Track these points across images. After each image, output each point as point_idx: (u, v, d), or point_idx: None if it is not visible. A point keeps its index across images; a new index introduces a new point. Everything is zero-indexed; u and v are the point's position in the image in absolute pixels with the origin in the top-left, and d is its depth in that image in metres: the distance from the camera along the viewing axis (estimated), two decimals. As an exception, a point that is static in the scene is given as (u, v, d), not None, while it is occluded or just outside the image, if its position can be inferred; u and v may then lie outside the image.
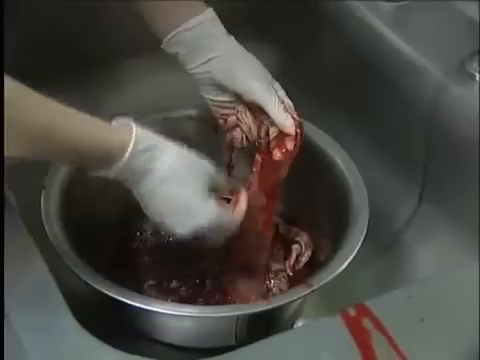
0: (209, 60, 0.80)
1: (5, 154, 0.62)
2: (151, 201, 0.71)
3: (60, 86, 0.99)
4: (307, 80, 1.06)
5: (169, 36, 0.80)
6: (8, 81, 0.61)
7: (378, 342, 0.62)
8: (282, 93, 0.81)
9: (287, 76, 1.08)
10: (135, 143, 0.69)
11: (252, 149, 0.83)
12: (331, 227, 0.85)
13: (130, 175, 0.70)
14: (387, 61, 0.94)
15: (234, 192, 0.77)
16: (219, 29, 0.81)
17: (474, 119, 0.86)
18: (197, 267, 0.84)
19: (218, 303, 0.83)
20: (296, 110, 0.82)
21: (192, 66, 0.81)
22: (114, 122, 0.71)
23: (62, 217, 0.78)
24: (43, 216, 0.78)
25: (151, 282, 0.85)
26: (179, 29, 0.80)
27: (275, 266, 0.87)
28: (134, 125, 0.70)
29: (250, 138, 0.83)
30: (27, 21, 0.95)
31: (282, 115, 0.79)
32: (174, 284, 0.83)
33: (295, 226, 0.90)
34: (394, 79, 0.94)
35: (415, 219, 0.93)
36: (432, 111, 0.89)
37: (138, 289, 0.83)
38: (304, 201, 0.90)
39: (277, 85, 0.82)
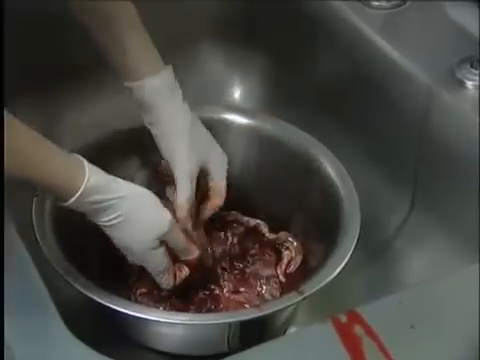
0: (151, 123, 0.83)
1: None
2: (108, 234, 0.75)
3: (44, 94, 1.01)
4: (298, 87, 1.06)
5: (126, 85, 0.81)
6: None
7: (369, 348, 0.62)
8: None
9: (278, 83, 1.09)
10: (86, 185, 0.70)
11: None
12: (323, 234, 0.85)
13: (86, 211, 0.72)
14: (377, 68, 0.94)
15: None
16: (170, 93, 0.82)
17: (464, 126, 0.86)
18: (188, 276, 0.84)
19: (209, 311, 0.83)
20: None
21: (147, 121, 0.83)
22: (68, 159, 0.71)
23: (54, 224, 0.78)
24: (35, 223, 0.79)
25: (142, 290, 0.84)
26: (133, 84, 0.81)
27: (266, 272, 0.87)
28: (86, 165, 0.71)
29: None
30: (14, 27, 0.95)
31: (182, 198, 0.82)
32: (165, 292, 0.83)
33: (285, 232, 0.90)
34: (384, 86, 0.94)
35: (406, 225, 0.93)
36: (422, 118, 0.89)
37: (129, 297, 0.83)
38: (296, 208, 0.90)
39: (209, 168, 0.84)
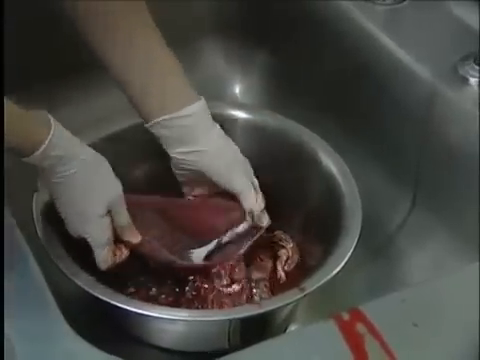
0: (193, 152, 0.82)
1: None
2: (57, 196, 0.75)
3: (47, 89, 1.00)
4: (299, 84, 1.06)
5: (157, 120, 0.80)
6: None
7: (371, 346, 0.62)
8: (256, 183, 0.85)
9: (279, 80, 1.09)
10: (50, 141, 0.71)
11: None
12: (324, 231, 0.84)
13: (46, 166, 0.72)
14: (380, 65, 0.94)
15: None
16: (207, 121, 0.82)
17: (467, 123, 0.86)
18: (176, 275, 0.83)
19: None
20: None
21: (175, 152, 0.82)
22: (35, 114, 0.72)
23: (54, 220, 0.78)
24: (35, 219, 0.78)
25: (131, 289, 0.83)
26: (167, 116, 0.80)
27: (256, 275, 0.86)
28: (52, 121, 0.72)
29: None
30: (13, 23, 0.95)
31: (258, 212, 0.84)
32: (153, 291, 0.82)
33: (281, 231, 0.90)
34: (387, 83, 0.93)
35: (408, 223, 0.93)
36: (425, 115, 0.89)
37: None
38: (297, 205, 0.89)
39: (252, 175, 0.85)
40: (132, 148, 0.89)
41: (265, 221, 0.85)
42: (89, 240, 0.77)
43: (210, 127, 0.82)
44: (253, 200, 0.84)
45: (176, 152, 0.82)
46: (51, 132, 0.71)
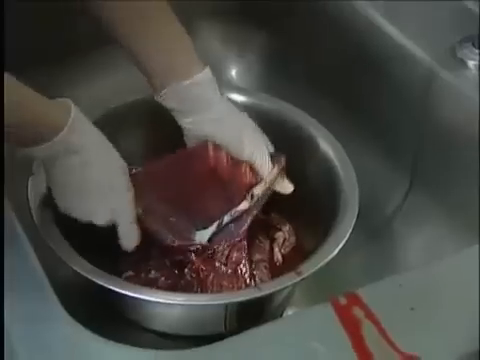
0: (205, 120, 0.82)
1: None
2: (73, 180, 0.74)
3: (47, 70, 1.00)
4: (297, 67, 1.05)
5: (165, 90, 0.81)
6: None
7: (368, 330, 0.62)
8: (271, 148, 0.86)
9: (277, 63, 1.09)
10: (71, 125, 0.71)
11: None
12: (321, 214, 0.84)
13: (60, 153, 0.72)
14: (378, 47, 0.94)
15: None
16: (215, 90, 0.82)
17: (465, 105, 0.86)
18: (175, 257, 0.83)
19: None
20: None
21: (187, 122, 0.83)
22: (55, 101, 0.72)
23: (50, 204, 0.78)
24: (31, 203, 0.78)
25: (129, 273, 0.83)
26: (176, 85, 0.80)
27: (256, 257, 0.86)
28: (73, 107, 0.72)
29: None
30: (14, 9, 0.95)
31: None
32: (153, 274, 0.82)
33: (280, 214, 0.90)
34: (385, 66, 0.93)
35: (405, 206, 0.93)
36: (423, 97, 0.89)
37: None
38: (294, 188, 0.89)
39: (267, 141, 0.86)
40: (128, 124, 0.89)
41: (288, 188, 0.85)
42: (117, 219, 0.76)
43: (219, 96, 0.83)
44: (267, 168, 0.84)
45: (188, 122, 0.83)
46: (71, 116, 0.71)
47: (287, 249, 0.88)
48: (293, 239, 0.88)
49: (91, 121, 0.76)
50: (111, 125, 0.83)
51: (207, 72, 0.82)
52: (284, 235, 0.88)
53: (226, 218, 0.83)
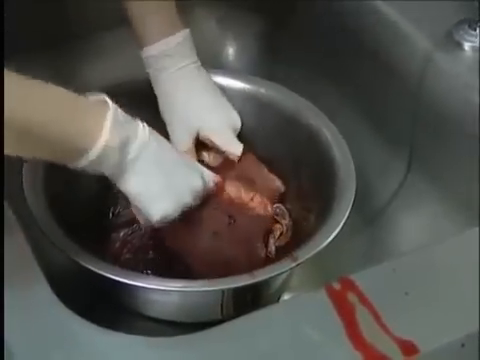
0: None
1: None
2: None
3: (41, 57, 0.99)
4: (293, 49, 1.05)
5: (145, 49, 0.84)
6: None
7: (362, 315, 0.62)
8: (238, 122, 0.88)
9: (274, 46, 1.08)
10: (112, 126, 0.67)
11: None
12: (317, 199, 0.84)
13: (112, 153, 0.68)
14: (375, 30, 0.93)
15: None
16: (191, 53, 0.85)
17: (462, 88, 0.85)
18: (173, 241, 0.83)
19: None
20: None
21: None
22: (90, 99, 0.68)
23: (43, 190, 0.77)
24: (25, 189, 0.78)
25: (128, 256, 0.83)
26: (153, 46, 0.83)
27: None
28: (110, 104, 0.68)
29: None
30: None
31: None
32: (150, 255, 0.82)
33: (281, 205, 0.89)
34: (381, 48, 0.92)
35: (403, 190, 0.92)
36: (419, 80, 0.88)
37: (114, 262, 0.82)
38: (290, 173, 0.89)
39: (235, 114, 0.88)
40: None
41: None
42: (195, 193, 0.76)
43: (191, 61, 0.85)
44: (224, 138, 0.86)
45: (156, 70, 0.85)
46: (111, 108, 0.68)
47: (282, 243, 0.87)
48: (289, 233, 0.87)
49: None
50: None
51: (185, 33, 0.84)
52: (282, 228, 0.87)
53: None
